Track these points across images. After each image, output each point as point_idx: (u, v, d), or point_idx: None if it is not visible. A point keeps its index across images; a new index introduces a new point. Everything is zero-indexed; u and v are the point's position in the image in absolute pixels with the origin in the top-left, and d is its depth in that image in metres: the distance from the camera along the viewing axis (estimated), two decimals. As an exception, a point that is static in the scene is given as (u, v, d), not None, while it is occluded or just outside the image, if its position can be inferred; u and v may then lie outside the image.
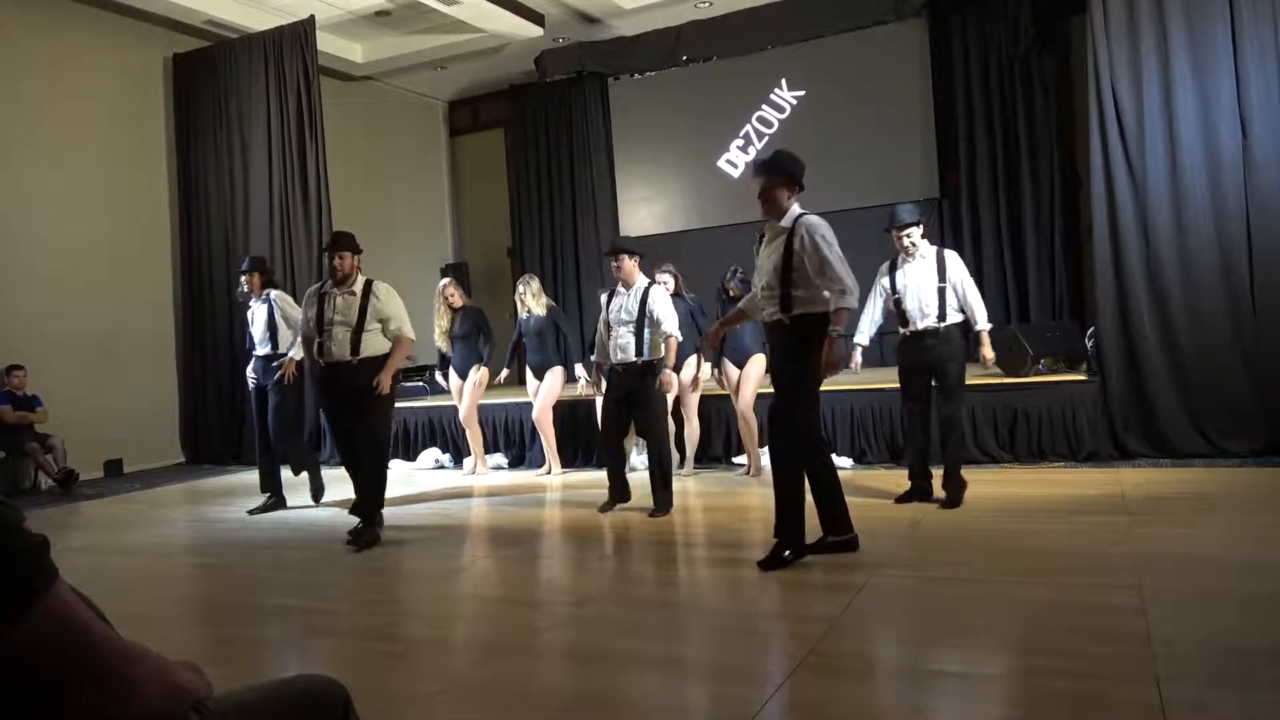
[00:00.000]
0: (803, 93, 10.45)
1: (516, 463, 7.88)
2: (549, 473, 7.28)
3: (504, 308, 9.64)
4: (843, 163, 9.91)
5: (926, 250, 5.21)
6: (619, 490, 5.63)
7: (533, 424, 7.35)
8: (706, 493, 6.19)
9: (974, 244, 9.56)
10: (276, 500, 6.35)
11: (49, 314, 8.52)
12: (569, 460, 7.49)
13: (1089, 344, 6.71)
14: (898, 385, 5.34)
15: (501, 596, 4.06)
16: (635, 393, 5.54)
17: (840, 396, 6.90)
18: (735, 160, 10.83)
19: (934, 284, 5.12)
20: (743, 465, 6.79)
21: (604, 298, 5.84)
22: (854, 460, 6.73)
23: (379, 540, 5.02)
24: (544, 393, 7.07)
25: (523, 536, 5.17)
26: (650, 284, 5.72)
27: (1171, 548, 4.00)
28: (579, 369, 7.39)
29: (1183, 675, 2.56)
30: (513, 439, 7.99)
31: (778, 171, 4.07)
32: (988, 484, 5.54)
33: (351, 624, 3.67)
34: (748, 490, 6.10)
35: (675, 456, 6.88)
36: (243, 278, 6.50)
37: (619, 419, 5.71)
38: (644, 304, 5.55)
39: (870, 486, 5.72)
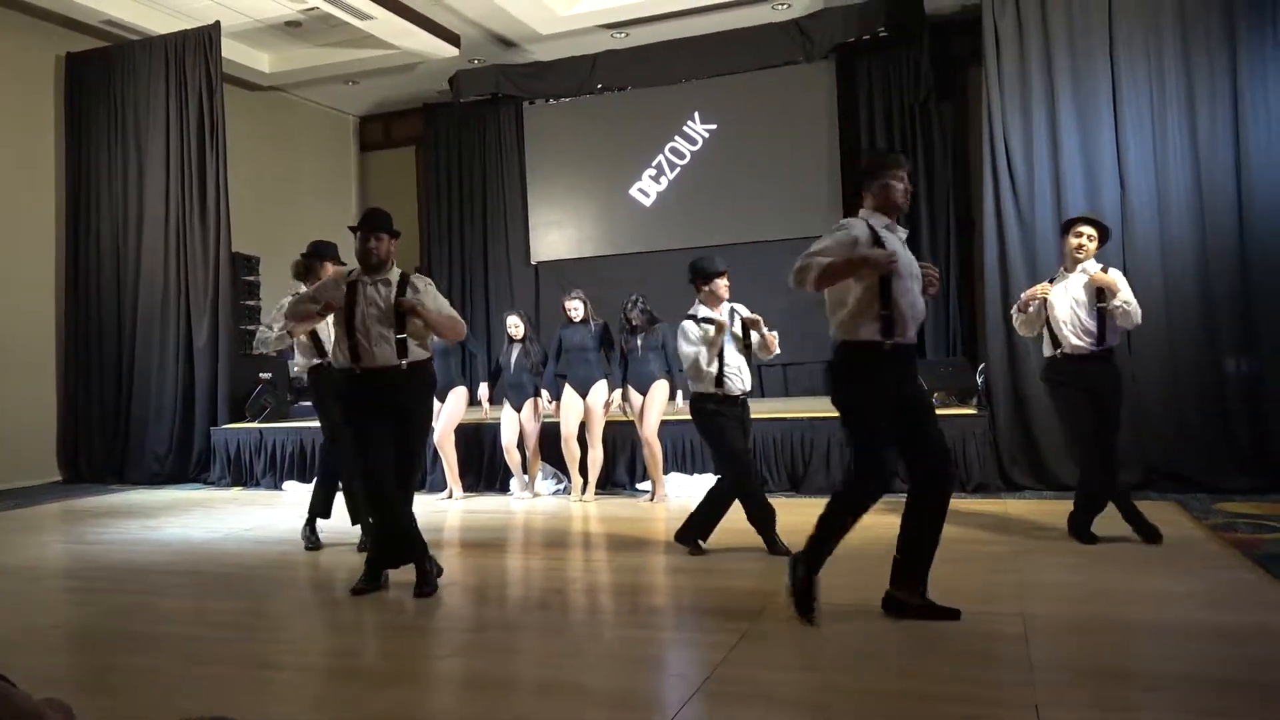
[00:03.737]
0: (714, 126, 10.67)
1: (418, 486, 7.71)
2: (449, 496, 7.17)
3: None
4: (750, 197, 10.22)
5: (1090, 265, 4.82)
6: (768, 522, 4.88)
7: (433, 446, 7.23)
8: (610, 518, 6.18)
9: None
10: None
11: (-84, 320, 8.01)
12: (470, 485, 7.39)
13: (979, 380, 6.99)
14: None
15: (398, 624, 3.97)
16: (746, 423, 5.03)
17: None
18: (647, 189, 10.95)
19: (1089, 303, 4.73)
20: (646, 492, 6.81)
21: (694, 326, 4.96)
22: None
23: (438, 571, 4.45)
24: (446, 414, 6.96)
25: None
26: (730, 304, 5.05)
27: (1053, 576, 4.19)
28: (482, 389, 7.34)
29: (1062, 700, 2.67)
30: (414, 462, 7.83)
31: None
32: (879, 513, 5.67)
33: (237, 652, 3.52)
34: (653, 517, 6.11)
35: (579, 481, 6.88)
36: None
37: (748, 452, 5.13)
38: (739, 322, 4.97)
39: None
